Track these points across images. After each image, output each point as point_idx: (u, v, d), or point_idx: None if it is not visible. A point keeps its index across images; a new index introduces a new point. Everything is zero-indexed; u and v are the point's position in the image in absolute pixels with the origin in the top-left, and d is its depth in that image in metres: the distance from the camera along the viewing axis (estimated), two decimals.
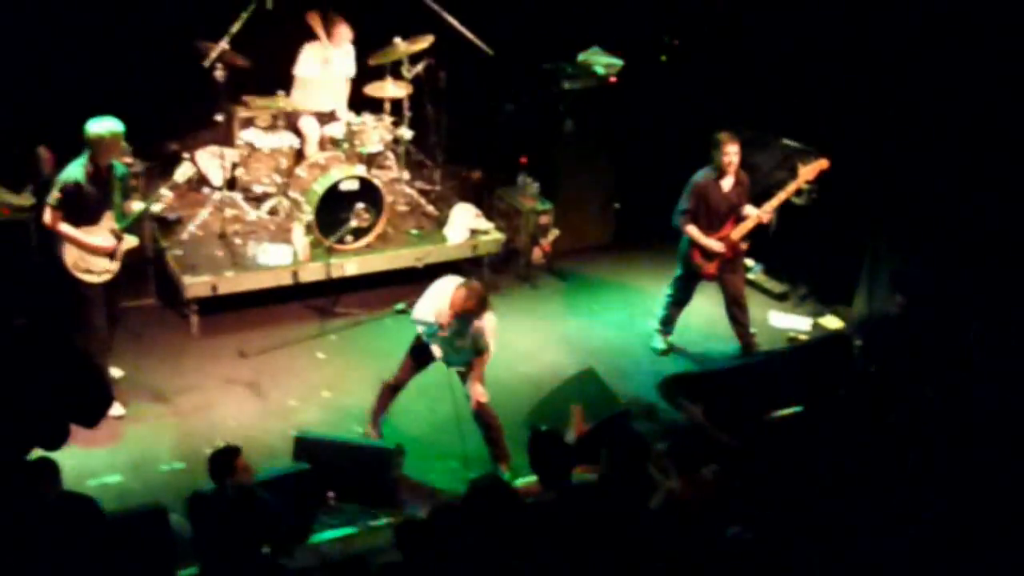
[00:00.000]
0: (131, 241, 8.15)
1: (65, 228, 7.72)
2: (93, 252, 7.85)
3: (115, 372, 8.47)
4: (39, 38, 9.59)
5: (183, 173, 8.40)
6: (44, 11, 9.61)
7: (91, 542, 6.00)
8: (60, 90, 9.57)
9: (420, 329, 7.70)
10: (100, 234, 7.88)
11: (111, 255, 7.92)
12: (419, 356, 7.80)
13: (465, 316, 7.31)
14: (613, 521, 5.80)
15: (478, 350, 7.54)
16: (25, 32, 9.52)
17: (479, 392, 7.59)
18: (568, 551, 5.51)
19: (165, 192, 8.52)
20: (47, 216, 7.80)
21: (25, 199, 9.09)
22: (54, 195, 7.76)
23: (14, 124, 9.52)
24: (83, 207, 7.79)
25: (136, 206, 8.16)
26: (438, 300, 7.44)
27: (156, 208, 8.51)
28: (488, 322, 7.47)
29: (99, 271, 7.91)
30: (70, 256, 7.81)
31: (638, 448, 6.08)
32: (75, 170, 7.75)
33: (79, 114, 8.03)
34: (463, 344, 7.53)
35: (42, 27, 9.61)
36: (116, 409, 7.95)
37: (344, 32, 10.25)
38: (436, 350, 7.63)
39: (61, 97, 9.51)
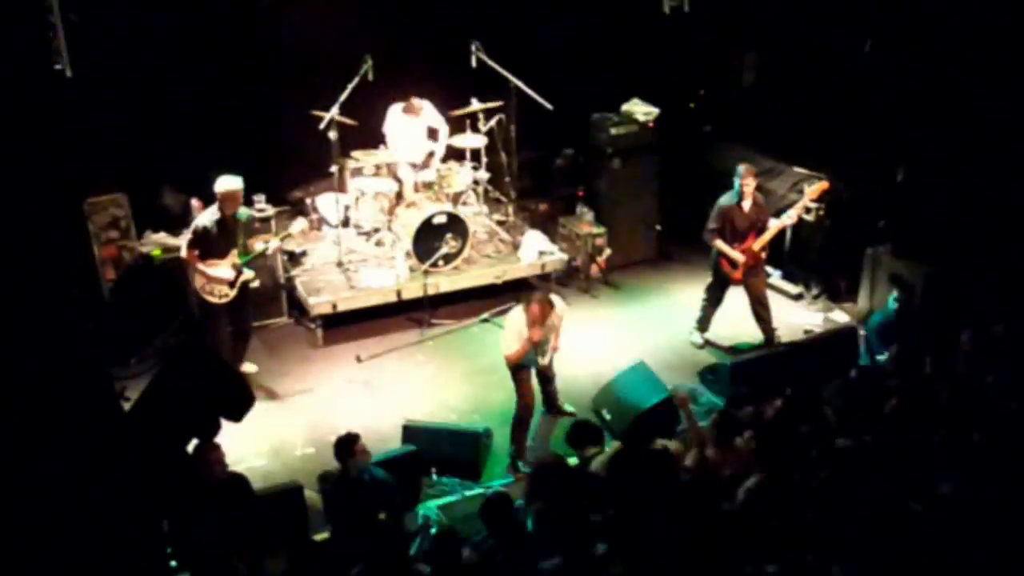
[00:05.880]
0: (248, 275, 8.33)
1: (195, 261, 8.12)
2: (216, 281, 8.14)
3: (249, 367, 8.74)
4: (200, 115, 9.86)
5: (297, 226, 8.69)
6: (204, 96, 9.92)
7: (245, 513, 6.13)
8: (210, 152, 9.73)
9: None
10: (223, 267, 8.17)
11: (231, 284, 8.20)
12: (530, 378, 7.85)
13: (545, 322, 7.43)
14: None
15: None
16: (189, 111, 9.82)
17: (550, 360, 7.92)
18: (618, 511, 5.50)
19: (275, 241, 8.60)
20: (183, 251, 8.27)
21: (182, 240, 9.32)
22: (188, 236, 8.25)
23: (174, 180, 9.80)
24: (210, 245, 8.13)
25: (258, 246, 8.40)
26: (516, 330, 7.45)
27: (270, 250, 8.51)
28: (559, 310, 7.66)
29: (219, 295, 8.18)
30: (198, 280, 8.18)
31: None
32: (205, 217, 8.19)
33: (225, 171, 8.23)
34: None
35: (201, 106, 9.91)
36: (249, 367, 8.67)
37: (423, 110, 10.28)
38: (540, 360, 7.78)
39: (211, 158, 9.72)
